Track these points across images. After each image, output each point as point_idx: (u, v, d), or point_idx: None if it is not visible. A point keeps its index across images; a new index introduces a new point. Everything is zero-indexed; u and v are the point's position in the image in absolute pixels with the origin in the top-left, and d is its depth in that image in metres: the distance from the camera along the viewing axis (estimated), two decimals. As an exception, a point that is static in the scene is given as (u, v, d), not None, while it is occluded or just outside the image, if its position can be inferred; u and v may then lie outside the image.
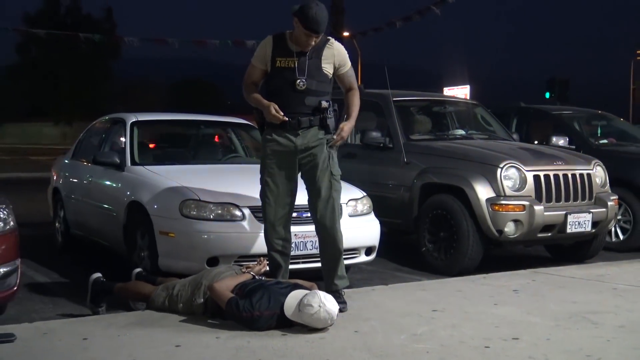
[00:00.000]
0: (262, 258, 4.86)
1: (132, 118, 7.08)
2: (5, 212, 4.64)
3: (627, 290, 5.56)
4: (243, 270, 4.66)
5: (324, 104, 4.74)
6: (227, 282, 4.43)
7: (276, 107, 4.65)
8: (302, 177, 4.90)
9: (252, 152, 7.90)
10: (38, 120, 59.29)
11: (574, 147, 8.59)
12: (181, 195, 5.56)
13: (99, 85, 57.96)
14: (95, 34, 29.88)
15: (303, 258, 5.44)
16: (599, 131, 10.22)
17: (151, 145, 7.62)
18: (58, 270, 6.75)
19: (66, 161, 8.38)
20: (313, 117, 4.75)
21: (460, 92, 30.86)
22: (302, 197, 5.03)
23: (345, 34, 25.81)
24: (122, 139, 6.86)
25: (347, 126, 4.81)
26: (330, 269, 4.84)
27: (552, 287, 5.67)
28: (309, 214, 5.31)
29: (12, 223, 4.64)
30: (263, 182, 4.89)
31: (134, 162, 6.50)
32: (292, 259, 5.17)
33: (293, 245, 5.28)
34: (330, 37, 4.89)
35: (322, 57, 4.74)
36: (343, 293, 4.82)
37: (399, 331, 4.20)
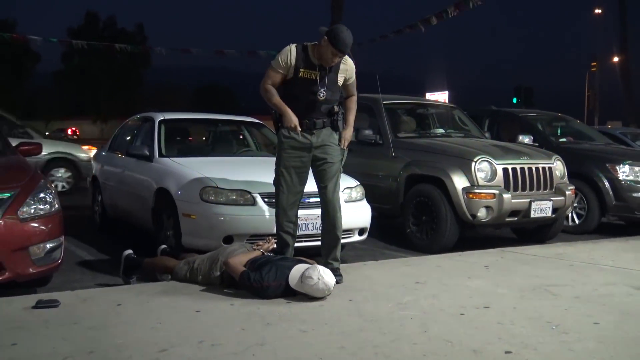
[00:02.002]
0: (270, 237, 4.85)
1: (159, 116, 7.05)
2: (51, 196, 4.63)
3: (582, 266, 5.53)
4: (254, 247, 4.66)
5: (335, 109, 4.78)
6: (240, 257, 4.42)
7: (298, 121, 4.64)
8: (313, 168, 4.85)
9: (262, 146, 7.89)
10: (79, 119, 59.28)
11: (537, 144, 8.54)
12: (201, 183, 5.54)
13: (132, 89, 58.04)
14: (129, 45, 29.69)
15: (305, 237, 5.42)
16: (558, 131, 10.17)
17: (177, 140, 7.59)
18: (96, 246, 6.73)
19: (103, 153, 8.35)
20: (326, 119, 4.75)
21: (440, 96, 30.77)
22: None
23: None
24: (151, 134, 6.83)
25: (348, 133, 4.83)
26: (329, 250, 4.81)
27: (517, 263, 5.65)
28: (310, 200, 5.30)
29: (57, 205, 4.64)
30: (279, 172, 4.83)
31: (161, 155, 6.48)
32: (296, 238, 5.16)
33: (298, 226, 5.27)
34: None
35: (339, 72, 4.70)
36: (339, 267, 4.80)
37: (386, 300, 4.18)
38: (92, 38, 38.11)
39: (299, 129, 4.64)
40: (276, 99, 4.71)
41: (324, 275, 4.11)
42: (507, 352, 3.15)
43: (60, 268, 4.73)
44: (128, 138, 7.62)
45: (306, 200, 5.40)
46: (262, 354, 3.06)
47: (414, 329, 3.53)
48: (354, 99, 4.96)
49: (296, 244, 5.12)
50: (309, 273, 4.11)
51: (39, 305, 3.84)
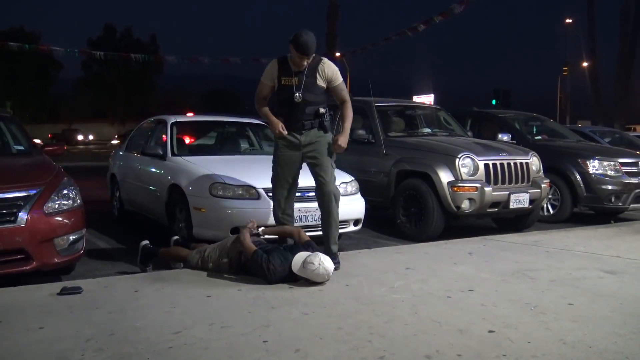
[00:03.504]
0: (253, 220, 4.75)
1: (172, 119, 7.02)
2: (73, 192, 4.61)
3: (556, 252, 5.52)
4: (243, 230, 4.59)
5: (322, 110, 4.71)
6: (246, 235, 4.41)
7: (282, 126, 4.68)
8: (308, 165, 4.84)
9: (266, 146, 7.85)
10: (98, 121, 59.16)
11: (515, 142, 8.52)
12: (210, 179, 5.52)
13: (146, 95, 57.91)
14: (143, 55, 29.57)
15: (305, 228, 5.39)
16: (534, 130, 10.14)
17: (188, 141, 7.56)
18: (115, 237, 6.70)
19: (120, 152, 8.32)
20: (313, 121, 4.71)
21: (426, 99, 30.74)
22: (304, 181, 4.99)
23: (337, 54, 25.61)
24: (164, 135, 6.80)
25: (342, 140, 4.66)
26: (327, 237, 4.78)
27: (498, 250, 5.63)
28: (309, 194, 5.28)
29: (79, 201, 4.62)
30: (274, 169, 4.86)
31: (173, 154, 6.45)
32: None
33: (297, 218, 5.27)
34: (323, 58, 4.78)
35: (317, 74, 4.65)
36: (339, 255, 4.76)
37: (380, 285, 4.16)
38: (109, 48, 38.01)
39: (284, 132, 4.67)
40: (264, 109, 4.80)
41: (324, 261, 4.10)
42: (490, 331, 3.13)
43: (83, 258, 4.72)
44: (143, 139, 7.58)
45: (305, 195, 5.41)
46: (268, 335, 3.04)
47: (405, 310, 3.52)
48: (348, 105, 4.79)
49: None
50: (310, 259, 4.09)
51: (64, 292, 3.83)
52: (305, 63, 4.57)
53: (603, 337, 3.06)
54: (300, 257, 4.16)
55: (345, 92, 4.82)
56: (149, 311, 3.47)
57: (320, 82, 4.68)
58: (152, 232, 6.56)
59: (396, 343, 2.94)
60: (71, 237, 4.46)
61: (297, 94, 4.60)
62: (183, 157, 6.36)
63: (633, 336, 3.08)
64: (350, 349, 2.86)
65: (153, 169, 6.66)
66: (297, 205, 5.35)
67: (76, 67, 58.92)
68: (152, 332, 3.08)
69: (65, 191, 4.53)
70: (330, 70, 4.70)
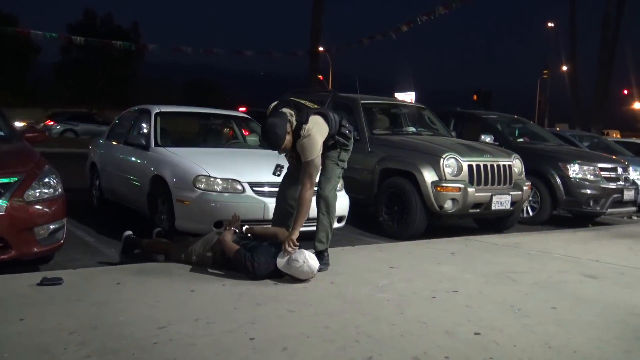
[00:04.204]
0: (236, 214, 4.66)
1: (156, 109, 6.91)
2: (54, 180, 4.51)
3: (538, 255, 5.57)
4: (227, 228, 4.52)
5: (330, 143, 4.54)
6: (227, 235, 4.35)
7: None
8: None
9: (249, 139, 7.78)
10: (77, 108, 58.23)
11: (497, 143, 8.58)
12: (194, 172, 5.46)
13: (126, 83, 57.13)
14: (124, 42, 29.12)
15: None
16: (516, 132, 10.22)
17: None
18: (93, 227, 6.58)
19: (101, 141, 8.19)
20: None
21: (407, 97, 30.83)
22: None
23: (321, 49, 25.52)
24: (148, 125, 6.70)
25: (292, 236, 4.23)
26: (315, 234, 4.68)
27: (480, 251, 5.67)
28: None
29: (60, 189, 4.53)
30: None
31: (157, 144, 6.36)
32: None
33: None
34: (305, 130, 4.32)
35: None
36: (327, 255, 4.63)
37: (364, 283, 4.15)
38: (89, 34, 37.32)
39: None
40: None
41: (309, 259, 4.07)
42: (476, 334, 3.14)
43: (63, 247, 4.62)
44: (125, 128, 7.46)
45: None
46: (254, 332, 3.00)
47: (391, 310, 3.51)
48: (304, 192, 4.32)
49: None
50: (295, 256, 4.07)
51: (44, 282, 3.74)
52: (283, 152, 4.50)
53: (587, 342, 3.09)
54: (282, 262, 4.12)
55: (306, 174, 4.36)
56: (133, 305, 3.41)
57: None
58: (132, 222, 6.46)
59: (383, 344, 2.93)
60: (51, 227, 4.37)
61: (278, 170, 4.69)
62: (167, 148, 6.27)
63: (617, 342, 3.11)
64: (337, 348, 2.84)
65: (135, 159, 6.56)
66: None
67: (55, 52, 57.85)
68: (137, 326, 3.03)
69: (46, 179, 4.43)
70: (300, 146, 4.35)
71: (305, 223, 5.00)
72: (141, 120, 7.12)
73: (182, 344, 2.81)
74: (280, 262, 4.10)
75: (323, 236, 4.60)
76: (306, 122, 4.33)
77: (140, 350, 2.71)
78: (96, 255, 5.24)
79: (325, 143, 4.48)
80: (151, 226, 5.52)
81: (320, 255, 4.55)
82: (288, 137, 4.33)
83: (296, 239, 4.22)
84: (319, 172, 4.55)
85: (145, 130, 6.73)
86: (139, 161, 6.47)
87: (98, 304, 3.39)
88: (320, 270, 4.30)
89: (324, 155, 4.58)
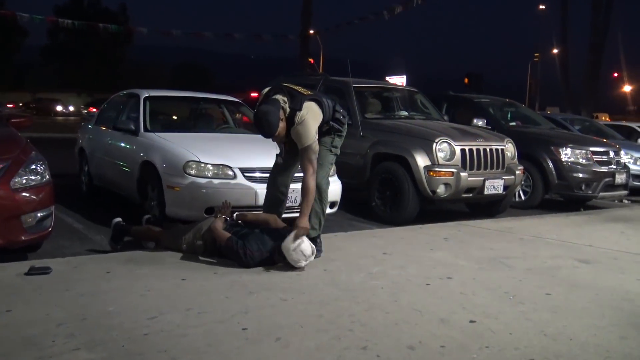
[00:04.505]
0: (226, 201, 4.57)
1: (145, 93, 6.80)
2: (42, 167, 4.42)
3: (531, 240, 5.55)
4: (217, 215, 4.46)
5: (325, 126, 4.46)
6: (218, 222, 4.29)
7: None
8: None
9: (240, 123, 7.69)
10: (65, 91, 57.62)
11: (490, 127, 8.54)
12: (185, 157, 5.37)
13: (115, 66, 56.51)
14: (112, 25, 28.73)
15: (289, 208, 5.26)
16: (508, 115, 10.18)
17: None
18: (83, 214, 6.49)
19: (90, 126, 8.07)
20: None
21: (398, 80, 30.69)
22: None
23: (312, 32, 25.31)
24: (137, 110, 6.59)
25: (303, 221, 4.16)
26: (310, 220, 4.52)
27: (473, 236, 5.64)
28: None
29: (47, 176, 4.43)
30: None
31: (146, 129, 6.25)
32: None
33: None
34: (299, 117, 4.22)
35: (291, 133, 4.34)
36: (319, 241, 4.58)
37: (358, 270, 4.11)
38: (77, 16, 36.82)
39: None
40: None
41: (310, 246, 4.04)
42: (471, 321, 3.11)
43: (51, 235, 4.53)
44: (114, 113, 7.35)
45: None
46: (247, 322, 2.95)
47: (385, 298, 3.47)
48: (307, 178, 4.20)
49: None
50: (304, 244, 4.03)
51: (32, 272, 3.67)
52: (277, 140, 4.38)
53: (583, 329, 3.06)
54: (288, 240, 4.06)
55: (305, 159, 4.24)
56: (122, 294, 3.35)
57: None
58: (122, 208, 6.38)
59: (378, 332, 2.89)
60: (39, 214, 4.28)
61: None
62: (156, 133, 6.17)
63: (612, 329, 3.09)
64: (331, 338, 2.79)
65: (125, 145, 6.46)
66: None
67: (42, 35, 57.14)
68: (126, 317, 2.97)
69: (33, 166, 4.33)
70: (295, 133, 4.26)
71: (296, 209, 4.95)
72: (130, 104, 7.01)
73: (173, 335, 2.76)
74: (286, 246, 4.02)
75: (315, 222, 4.54)
76: (300, 109, 4.25)
77: (130, 342, 2.66)
78: (85, 243, 5.17)
79: (319, 129, 4.40)
80: (141, 213, 5.44)
81: (313, 241, 4.49)
82: (282, 125, 4.24)
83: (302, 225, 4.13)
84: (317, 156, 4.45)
85: (134, 115, 6.62)
86: (128, 147, 6.37)
87: (87, 293, 3.33)
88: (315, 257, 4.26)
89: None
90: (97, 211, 6.59)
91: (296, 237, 4.06)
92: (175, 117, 7.73)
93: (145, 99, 6.65)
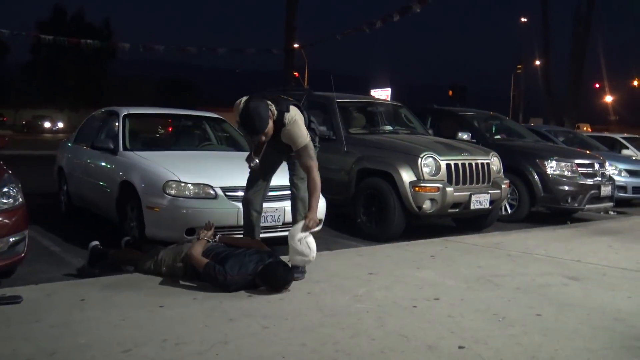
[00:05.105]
0: (210, 222, 4.48)
1: (124, 111, 6.66)
2: (14, 190, 4.25)
3: (519, 256, 5.47)
4: (199, 237, 4.34)
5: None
6: (197, 248, 4.15)
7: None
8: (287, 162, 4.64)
9: (223, 141, 7.56)
10: (48, 107, 57.09)
11: (475, 141, 8.49)
12: (164, 177, 5.22)
13: (98, 81, 56.08)
14: (95, 41, 28.48)
15: (264, 229, 5.16)
16: (493, 128, 10.16)
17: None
18: (61, 235, 6.30)
19: (69, 144, 7.90)
20: None
21: (383, 93, 30.75)
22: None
23: (296, 45, 25.29)
24: (116, 128, 6.45)
25: (312, 215, 4.17)
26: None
27: (460, 253, 5.54)
28: (270, 193, 5.04)
29: (20, 199, 4.26)
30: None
31: (125, 148, 6.10)
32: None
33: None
34: (287, 119, 4.23)
35: (281, 140, 4.30)
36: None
37: (343, 292, 3.98)
38: (59, 32, 36.52)
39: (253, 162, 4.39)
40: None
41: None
42: (460, 347, 2.99)
43: (25, 260, 4.36)
44: (93, 131, 7.18)
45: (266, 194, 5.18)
46: (226, 354, 2.81)
47: (370, 323, 3.35)
48: (313, 174, 4.21)
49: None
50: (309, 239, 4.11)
51: (1, 301, 3.50)
52: (263, 138, 4.20)
53: (575, 353, 2.96)
54: (296, 228, 4.12)
55: (307, 157, 4.25)
56: (96, 324, 3.19)
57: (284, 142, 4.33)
58: (101, 229, 6.22)
59: (363, 362, 2.76)
60: (11, 239, 4.10)
61: (254, 160, 4.36)
62: (136, 152, 6.02)
63: (605, 352, 2.99)
64: (315, 369, 2.66)
65: (103, 164, 6.30)
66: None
67: (25, 51, 56.57)
68: (99, 350, 2.81)
69: (5, 189, 4.17)
70: (286, 137, 4.25)
71: (279, 229, 4.85)
72: (109, 122, 6.87)
73: (148, 370, 2.61)
74: (293, 234, 4.07)
75: None
76: (287, 110, 4.22)
77: (101, 379, 2.51)
78: (62, 267, 4.98)
79: None
80: (121, 234, 5.28)
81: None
82: (270, 124, 4.14)
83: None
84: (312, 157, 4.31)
85: (113, 134, 6.47)
86: (107, 166, 6.21)
87: (58, 324, 3.17)
88: (295, 279, 4.13)
89: (294, 156, 4.44)
90: (76, 232, 6.41)
91: (305, 229, 4.07)
92: (155, 135, 7.58)
93: (125, 116, 6.51)
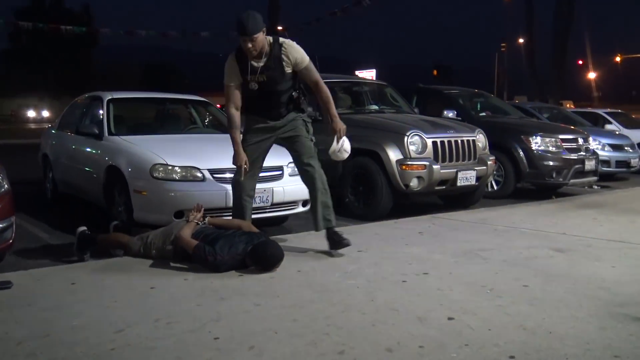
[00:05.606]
0: (199, 204, 4.48)
1: (108, 96, 6.61)
2: (0, 176, 4.22)
3: (505, 230, 5.54)
4: (188, 220, 4.34)
5: (294, 95, 4.43)
6: (186, 230, 4.16)
7: (247, 162, 4.36)
8: (285, 146, 4.62)
9: (208, 124, 7.52)
10: (30, 96, 56.36)
11: (460, 118, 8.53)
12: (151, 160, 5.20)
13: (80, 68, 55.35)
14: (75, 27, 28.07)
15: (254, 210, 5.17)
16: (478, 106, 10.20)
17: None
18: (49, 222, 6.28)
19: (53, 131, 7.84)
20: (288, 106, 4.46)
21: (368, 74, 30.66)
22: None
23: (280, 28, 25.13)
24: (100, 113, 6.40)
25: (338, 125, 4.46)
26: (323, 211, 4.51)
27: (448, 229, 5.60)
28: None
29: (6, 186, 4.23)
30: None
31: (110, 133, 6.06)
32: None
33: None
34: (283, 41, 4.30)
35: (282, 63, 4.26)
36: (341, 232, 4.54)
37: (332, 270, 4.02)
38: (38, 18, 35.93)
39: (245, 168, 4.35)
40: (233, 131, 4.37)
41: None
42: (449, 319, 3.04)
43: (13, 247, 4.35)
44: (77, 117, 7.12)
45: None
46: (219, 331, 2.84)
47: (361, 298, 3.39)
48: (322, 87, 4.40)
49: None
50: (345, 143, 4.52)
51: (-9, 287, 3.49)
52: (250, 45, 4.10)
53: (561, 321, 3.02)
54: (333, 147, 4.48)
55: (314, 72, 4.41)
56: (88, 307, 3.20)
57: (288, 69, 4.31)
58: (89, 215, 6.20)
59: (355, 335, 2.80)
60: (-1, 226, 4.09)
61: (252, 84, 4.26)
62: (121, 136, 5.98)
63: (591, 319, 3.05)
64: (307, 343, 2.70)
65: (89, 149, 6.26)
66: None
67: (2, 40, 55.71)
68: (92, 331, 2.82)
69: (-10, 176, 4.14)
70: (294, 54, 4.28)
71: (268, 210, 4.86)
72: (93, 108, 6.81)
73: (141, 348, 2.63)
74: (333, 151, 4.48)
75: (333, 214, 4.55)
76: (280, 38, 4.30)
77: (95, 359, 2.52)
78: (51, 253, 4.96)
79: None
80: (109, 218, 5.27)
81: (333, 232, 4.47)
82: (262, 36, 4.12)
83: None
84: None
85: (98, 119, 6.43)
86: (92, 151, 6.17)
87: (50, 308, 3.17)
88: (347, 245, 4.38)
89: (298, 138, 4.48)
90: (63, 219, 6.38)
91: (338, 140, 4.40)
92: (140, 119, 7.52)
93: (109, 101, 6.46)
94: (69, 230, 5.46)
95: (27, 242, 5.28)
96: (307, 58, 4.35)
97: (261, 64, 4.24)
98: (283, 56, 4.27)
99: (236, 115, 4.37)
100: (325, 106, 4.49)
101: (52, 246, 5.25)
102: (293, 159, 4.65)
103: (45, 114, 50.94)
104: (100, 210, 5.98)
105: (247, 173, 4.41)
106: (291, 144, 4.56)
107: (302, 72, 4.37)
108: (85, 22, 51.08)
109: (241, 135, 4.49)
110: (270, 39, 4.25)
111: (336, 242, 4.45)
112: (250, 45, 4.12)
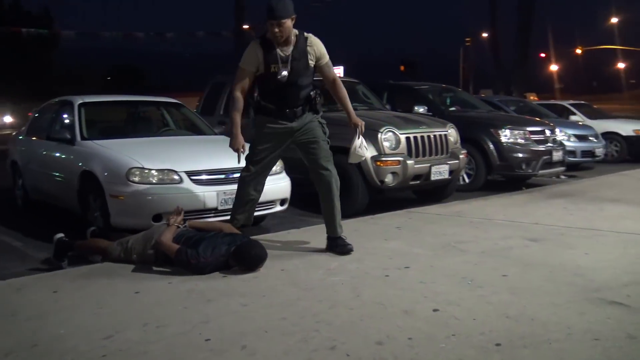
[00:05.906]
0: (179, 207, 4.44)
1: (79, 100, 6.52)
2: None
3: (480, 222, 5.65)
4: (168, 224, 4.32)
5: (312, 94, 4.40)
6: (167, 234, 4.14)
7: (244, 145, 4.32)
8: (301, 150, 4.52)
9: (181, 126, 7.48)
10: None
11: (431, 114, 8.65)
12: (127, 164, 5.17)
13: (42, 71, 54.08)
14: (35, 29, 27.49)
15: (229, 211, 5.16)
16: (448, 101, 10.36)
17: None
18: (21, 230, 6.17)
19: (21, 137, 7.69)
20: (304, 106, 4.41)
21: (336, 71, 30.70)
22: (228, 162, 4.80)
23: (246, 26, 24.99)
24: (71, 118, 6.31)
25: (355, 118, 4.55)
26: (333, 217, 4.52)
27: (424, 223, 5.69)
28: (235, 175, 5.02)
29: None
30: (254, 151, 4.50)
31: (83, 138, 5.99)
32: (222, 212, 5.04)
33: (222, 201, 5.13)
34: (308, 35, 4.27)
35: (308, 55, 4.24)
36: (345, 237, 4.53)
37: (316, 267, 4.06)
38: (-3, 22, 35.10)
39: (242, 152, 4.32)
40: (234, 113, 4.30)
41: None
42: (434, 310, 3.11)
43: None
44: (47, 122, 7.01)
45: (231, 176, 5.21)
46: (209, 332, 2.85)
47: (346, 294, 3.43)
48: (340, 84, 4.50)
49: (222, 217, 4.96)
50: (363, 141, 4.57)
51: (-29, 298, 3.44)
52: (277, 30, 4.04)
53: (542, 308, 3.12)
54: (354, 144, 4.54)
55: (333, 69, 4.48)
56: (73, 314, 3.17)
57: (311, 62, 4.29)
58: (63, 222, 6.11)
59: (344, 330, 2.84)
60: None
61: (282, 73, 4.17)
62: (94, 140, 5.92)
63: (570, 305, 3.15)
64: (298, 340, 2.73)
65: (61, 155, 6.18)
66: (221, 188, 5.18)
67: (-41, 44, 54.06)
68: (80, 339, 2.81)
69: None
70: (318, 48, 4.29)
71: (257, 207, 4.82)
72: (63, 112, 6.71)
73: (134, 353, 2.63)
74: (355, 148, 4.54)
75: (340, 220, 4.56)
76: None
77: (87, 366, 2.52)
78: (26, 262, 4.89)
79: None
80: (84, 225, 5.21)
81: (338, 240, 4.45)
82: (290, 23, 4.09)
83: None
84: None
85: (69, 123, 6.34)
86: (65, 157, 6.09)
87: (35, 317, 3.14)
88: (349, 252, 4.34)
89: (316, 142, 4.45)
90: (36, 226, 6.28)
91: (359, 135, 4.48)
92: (113, 123, 7.43)
93: (80, 105, 6.38)
94: (43, 237, 5.38)
95: (0, 252, 5.19)
96: (327, 55, 4.39)
97: (287, 54, 4.19)
98: (308, 48, 4.25)
99: (240, 98, 4.30)
100: (342, 103, 4.58)
101: (28, 255, 5.16)
102: (307, 162, 4.52)
103: (8, 119, 49.54)
104: (73, 216, 5.90)
105: (255, 167, 4.43)
106: (308, 149, 4.46)
107: (322, 68, 4.39)
108: (45, 24, 49.96)
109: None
110: (296, 31, 4.22)
111: (341, 246, 4.44)
112: (277, 29, 4.07)
